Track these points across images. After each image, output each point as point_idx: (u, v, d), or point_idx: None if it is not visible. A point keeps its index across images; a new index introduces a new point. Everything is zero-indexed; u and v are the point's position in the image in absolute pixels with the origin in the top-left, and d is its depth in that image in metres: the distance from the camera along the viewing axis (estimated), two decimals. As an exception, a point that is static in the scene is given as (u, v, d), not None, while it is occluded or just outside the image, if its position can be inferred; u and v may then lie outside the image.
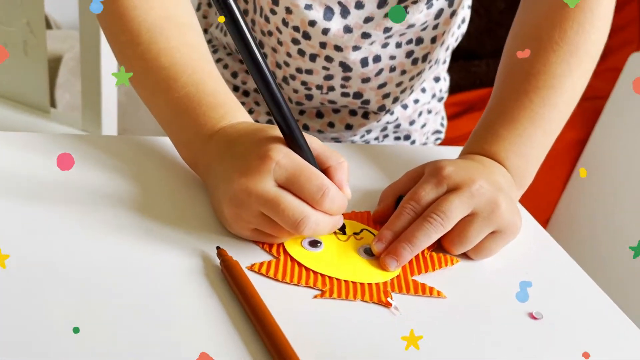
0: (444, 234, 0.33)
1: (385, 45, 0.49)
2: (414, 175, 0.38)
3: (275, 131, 0.33)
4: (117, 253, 0.31)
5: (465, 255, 0.35)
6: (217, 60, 0.56)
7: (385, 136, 0.58)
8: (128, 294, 0.29)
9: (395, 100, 0.53)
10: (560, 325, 0.31)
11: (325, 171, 0.33)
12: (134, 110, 1.09)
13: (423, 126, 0.59)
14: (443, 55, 0.54)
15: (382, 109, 0.53)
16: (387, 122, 0.56)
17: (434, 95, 0.59)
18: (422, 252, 0.34)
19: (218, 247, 0.32)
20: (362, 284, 0.31)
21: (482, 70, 1.16)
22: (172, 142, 0.39)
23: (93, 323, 0.27)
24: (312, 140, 0.34)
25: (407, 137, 0.59)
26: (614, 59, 1.23)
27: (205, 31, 0.59)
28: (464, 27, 0.56)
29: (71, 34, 1.16)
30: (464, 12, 0.55)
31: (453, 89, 1.13)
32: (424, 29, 0.49)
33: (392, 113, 0.55)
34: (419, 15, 0.47)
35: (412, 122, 0.57)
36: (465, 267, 0.34)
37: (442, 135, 0.63)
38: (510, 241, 0.35)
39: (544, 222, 1.11)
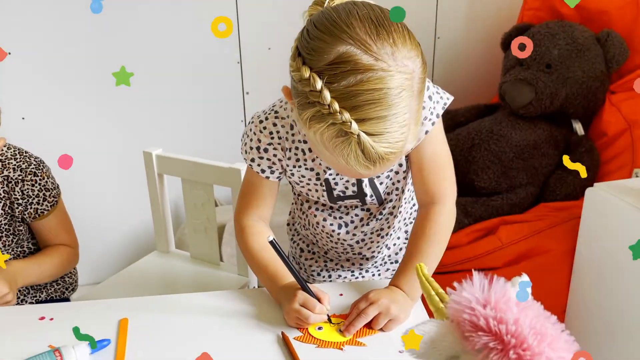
0: (368, 321, 0.84)
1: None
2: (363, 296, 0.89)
3: (298, 286, 0.87)
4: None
5: (380, 330, 0.84)
6: (294, 242, 1.14)
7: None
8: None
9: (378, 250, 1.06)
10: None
11: (319, 299, 0.86)
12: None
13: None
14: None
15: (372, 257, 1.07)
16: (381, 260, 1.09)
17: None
18: (362, 327, 0.84)
19: (282, 332, 0.85)
20: (336, 342, 0.83)
21: (498, 204, 1.61)
22: (269, 292, 0.95)
23: None
24: (312, 287, 0.87)
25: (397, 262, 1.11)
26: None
27: (289, 224, 1.18)
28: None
29: (228, 209, 1.85)
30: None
31: (476, 220, 1.59)
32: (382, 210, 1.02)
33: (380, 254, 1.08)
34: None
35: (397, 253, 1.10)
36: (379, 335, 0.84)
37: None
38: (398, 324, 0.84)
39: (562, 311, 1.47)
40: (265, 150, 0.94)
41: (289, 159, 0.94)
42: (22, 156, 1.06)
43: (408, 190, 1.03)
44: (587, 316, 1.40)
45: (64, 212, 1.15)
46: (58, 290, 1.19)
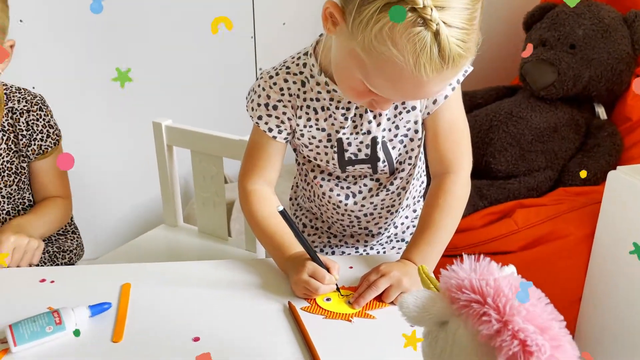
0: (378, 293, 0.80)
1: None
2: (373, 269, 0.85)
3: (306, 256, 0.84)
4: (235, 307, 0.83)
5: (391, 303, 0.81)
6: (296, 217, 1.10)
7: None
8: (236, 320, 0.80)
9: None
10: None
11: (328, 269, 0.82)
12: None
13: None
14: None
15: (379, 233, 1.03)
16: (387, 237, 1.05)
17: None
18: (372, 300, 0.81)
19: (289, 302, 0.82)
20: (345, 314, 0.79)
21: (515, 187, 1.56)
22: (275, 262, 0.91)
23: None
24: (321, 257, 0.83)
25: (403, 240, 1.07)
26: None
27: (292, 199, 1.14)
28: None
29: (235, 186, 1.82)
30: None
31: (491, 203, 1.54)
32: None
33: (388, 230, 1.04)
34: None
35: (403, 232, 1.06)
36: (389, 308, 0.80)
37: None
38: None
39: (577, 299, 1.43)
40: (275, 108, 0.90)
41: (300, 117, 0.90)
42: (26, 91, 1.05)
43: (418, 167, 0.99)
44: (605, 302, 1.35)
45: None
46: (66, 257, 1.17)
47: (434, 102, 0.88)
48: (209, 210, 1.44)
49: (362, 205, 0.99)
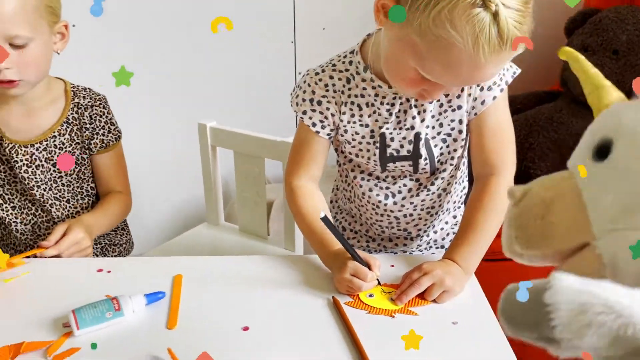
0: (421, 291, 0.82)
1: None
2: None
3: (347, 255, 0.86)
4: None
5: (433, 301, 0.83)
6: (336, 220, 1.13)
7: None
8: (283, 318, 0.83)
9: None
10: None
11: (369, 266, 0.84)
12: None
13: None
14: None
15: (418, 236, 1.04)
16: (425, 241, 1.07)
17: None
18: (414, 297, 0.83)
19: (333, 297, 0.84)
20: (388, 310, 0.81)
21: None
22: (319, 257, 0.94)
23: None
24: (361, 254, 0.86)
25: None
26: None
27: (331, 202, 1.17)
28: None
29: (277, 187, 1.86)
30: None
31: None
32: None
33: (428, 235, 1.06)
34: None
35: (443, 238, 1.07)
36: (432, 306, 0.82)
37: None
38: (452, 297, 0.82)
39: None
40: (319, 103, 0.93)
41: (344, 113, 0.93)
42: (91, 90, 1.14)
43: (461, 171, 1.00)
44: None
45: (123, 156, 1.19)
46: (116, 251, 1.22)
47: (482, 102, 0.90)
48: (250, 210, 1.47)
49: (402, 206, 1.01)
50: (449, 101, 0.91)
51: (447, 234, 1.07)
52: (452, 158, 0.96)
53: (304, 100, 0.94)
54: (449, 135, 0.93)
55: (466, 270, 0.86)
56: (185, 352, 0.71)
